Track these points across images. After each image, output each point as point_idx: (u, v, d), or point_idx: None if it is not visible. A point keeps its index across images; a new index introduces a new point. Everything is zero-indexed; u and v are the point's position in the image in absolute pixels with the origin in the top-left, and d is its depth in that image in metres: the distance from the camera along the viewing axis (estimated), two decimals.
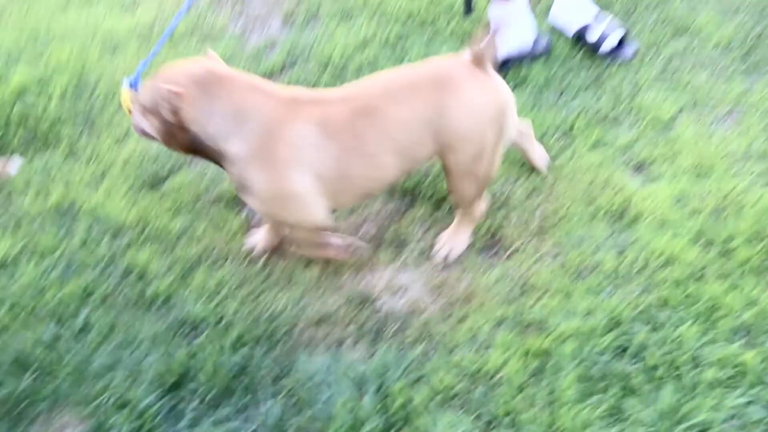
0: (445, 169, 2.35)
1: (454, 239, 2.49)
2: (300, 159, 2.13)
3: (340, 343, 2.22)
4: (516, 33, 3.30)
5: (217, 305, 2.34)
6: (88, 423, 2.04)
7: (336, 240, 2.43)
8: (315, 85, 3.36)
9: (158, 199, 2.78)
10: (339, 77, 3.41)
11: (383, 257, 2.49)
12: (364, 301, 2.34)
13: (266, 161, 2.14)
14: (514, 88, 3.19)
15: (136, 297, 2.38)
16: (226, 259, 2.52)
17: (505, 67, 3.31)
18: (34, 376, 2.14)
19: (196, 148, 2.20)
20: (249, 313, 2.31)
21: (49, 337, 2.25)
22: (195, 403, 2.05)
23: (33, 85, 3.47)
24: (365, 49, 3.61)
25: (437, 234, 2.54)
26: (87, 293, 2.40)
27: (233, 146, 2.13)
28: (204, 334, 2.24)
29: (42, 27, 4.08)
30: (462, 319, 2.24)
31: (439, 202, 2.68)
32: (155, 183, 2.88)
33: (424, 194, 2.71)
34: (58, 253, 2.56)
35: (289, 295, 2.37)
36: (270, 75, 3.49)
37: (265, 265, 2.48)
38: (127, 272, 2.47)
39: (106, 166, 2.95)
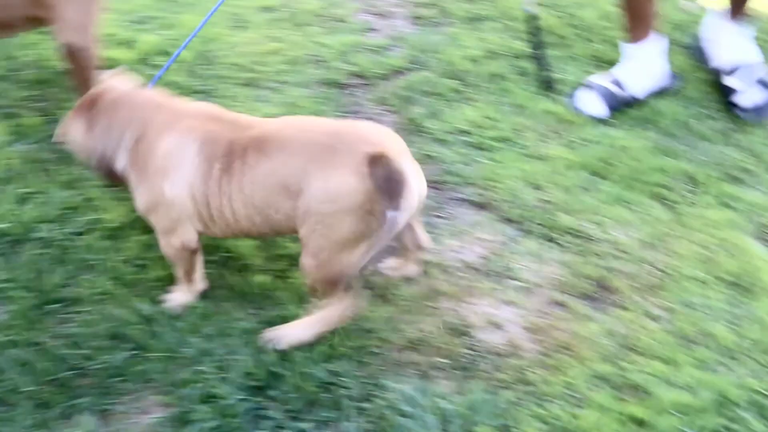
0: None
1: (293, 328, 2.20)
2: (172, 169, 2.14)
3: (430, 371, 2.17)
4: (650, 73, 3.18)
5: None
6: (172, 410, 2.04)
7: (196, 276, 2.33)
8: (433, 92, 3.30)
9: None
10: (461, 87, 3.34)
11: (484, 287, 2.42)
12: (460, 331, 2.28)
13: (140, 171, 2.18)
14: (638, 128, 3.09)
15: (234, 288, 2.38)
16: None
17: (629, 104, 3.20)
18: (128, 353, 2.15)
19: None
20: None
21: (146, 315, 2.26)
22: (278, 411, 2.03)
23: (158, 53, 3.50)
24: (492, 60, 3.53)
25: (546, 270, 2.47)
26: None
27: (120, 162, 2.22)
28: None
29: None
30: (558, 369, 2.16)
31: (552, 238, 2.60)
32: None
33: (537, 227, 2.64)
34: None
35: (385, 312, 2.33)
36: (386, 76, 3.44)
37: (364, 277, 2.44)
38: (229, 261, 2.47)
39: None
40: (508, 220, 2.67)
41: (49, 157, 2.84)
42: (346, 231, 2.04)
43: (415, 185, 2.09)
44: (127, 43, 3.53)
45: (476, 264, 2.51)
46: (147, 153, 2.16)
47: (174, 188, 2.14)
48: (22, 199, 2.65)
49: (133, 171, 2.20)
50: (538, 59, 3.33)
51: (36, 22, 2.83)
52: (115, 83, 2.28)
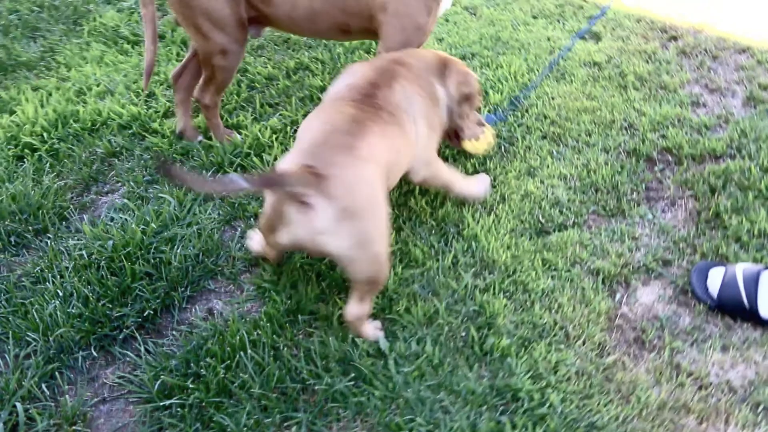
0: None
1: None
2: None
3: None
4: None
5: (543, 388, 2.21)
6: None
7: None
8: (748, 185, 2.99)
9: (537, 249, 2.70)
10: None
11: (741, 416, 2.15)
12: None
13: None
14: None
15: (473, 344, 2.34)
16: (574, 341, 2.37)
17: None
18: (352, 381, 2.21)
19: None
20: (570, 411, 2.15)
21: (381, 349, 2.30)
22: None
23: None
24: None
25: None
26: (430, 320, 2.41)
27: None
28: (518, 413, 2.13)
29: (503, 35, 4.19)
30: None
31: None
32: (541, 231, 2.81)
33: None
34: (425, 267, 2.61)
35: (621, 412, 2.16)
36: (700, 158, 3.20)
37: (608, 368, 2.29)
38: (474, 314, 2.44)
39: (500, 197, 2.94)
40: None
41: None
42: None
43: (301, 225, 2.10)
44: None
45: (739, 387, 2.24)
46: None
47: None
48: None
49: None
50: None
51: (368, 34, 3.05)
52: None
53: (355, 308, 2.28)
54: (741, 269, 2.51)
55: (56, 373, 2.24)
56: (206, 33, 2.93)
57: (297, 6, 2.92)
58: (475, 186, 2.91)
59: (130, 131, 3.39)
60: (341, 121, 2.27)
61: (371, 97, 2.42)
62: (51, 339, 2.29)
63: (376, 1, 2.86)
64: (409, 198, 2.92)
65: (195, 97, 3.21)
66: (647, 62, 3.97)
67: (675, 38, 4.25)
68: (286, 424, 2.10)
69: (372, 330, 2.35)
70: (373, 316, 2.42)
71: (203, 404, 2.12)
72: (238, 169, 3.10)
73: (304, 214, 2.06)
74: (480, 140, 2.89)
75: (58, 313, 2.35)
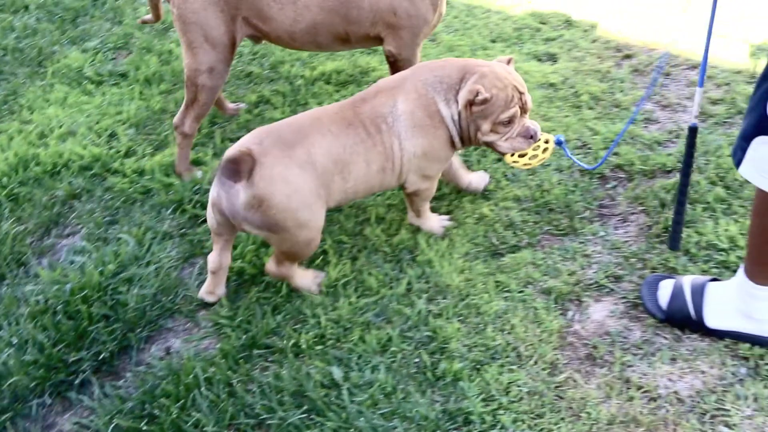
0: None
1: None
2: None
3: None
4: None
5: (494, 410, 2.25)
6: None
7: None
8: (697, 198, 3.05)
9: (491, 272, 2.75)
10: (731, 199, 3.04)
11: (687, 426, 2.19)
12: None
13: None
14: None
15: (425, 369, 2.38)
16: (526, 361, 2.41)
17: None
18: (306, 413, 2.24)
19: None
20: (522, 431, 2.19)
21: (335, 380, 2.34)
22: None
23: None
24: None
25: None
26: (384, 347, 2.45)
27: None
28: None
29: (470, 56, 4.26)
30: None
31: None
32: (495, 253, 2.85)
33: None
34: (379, 295, 2.65)
35: (572, 429, 2.19)
36: (651, 174, 3.25)
37: (559, 386, 2.33)
38: (427, 340, 2.48)
39: (456, 221, 2.99)
40: (737, 356, 2.39)
41: None
42: None
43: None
44: None
45: (686, 397, 2.29)
46: None
47: None
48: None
49: None
50: (680, 195, 2.62)
51: (367, 41, 3.25)
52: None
53: (274, 268, 2.61)
54: (689, 281, 2.56)
55: (9, 423, 2.26)
56: (197, 49, 3.05)
57: (299, 21, 3.06)
58: (436, 224, 2.98)
59: (91, 172, 3.43)
60: (307, 117, 2.56)
61: (364, 103, 2.61)
62: (4, 388, 2.32)
63: (382, 8, 3.06)
64: (365, 227, 2.96)
65: (174, 124, 3.27)
66: (601, 81, 4.04)
67: (629, 56, 4.32)
68: None
69: (301, 278, 2.65)
70: (333, 345, 2.46)
71: None
72: (197, 206, 3.14)
73: (229, 189, 2.35)
74: (525, 155, 2.80)
75: (12, 361, 2.38)
